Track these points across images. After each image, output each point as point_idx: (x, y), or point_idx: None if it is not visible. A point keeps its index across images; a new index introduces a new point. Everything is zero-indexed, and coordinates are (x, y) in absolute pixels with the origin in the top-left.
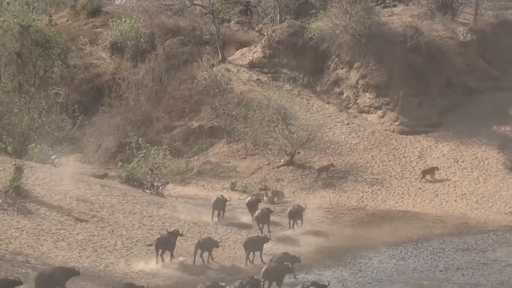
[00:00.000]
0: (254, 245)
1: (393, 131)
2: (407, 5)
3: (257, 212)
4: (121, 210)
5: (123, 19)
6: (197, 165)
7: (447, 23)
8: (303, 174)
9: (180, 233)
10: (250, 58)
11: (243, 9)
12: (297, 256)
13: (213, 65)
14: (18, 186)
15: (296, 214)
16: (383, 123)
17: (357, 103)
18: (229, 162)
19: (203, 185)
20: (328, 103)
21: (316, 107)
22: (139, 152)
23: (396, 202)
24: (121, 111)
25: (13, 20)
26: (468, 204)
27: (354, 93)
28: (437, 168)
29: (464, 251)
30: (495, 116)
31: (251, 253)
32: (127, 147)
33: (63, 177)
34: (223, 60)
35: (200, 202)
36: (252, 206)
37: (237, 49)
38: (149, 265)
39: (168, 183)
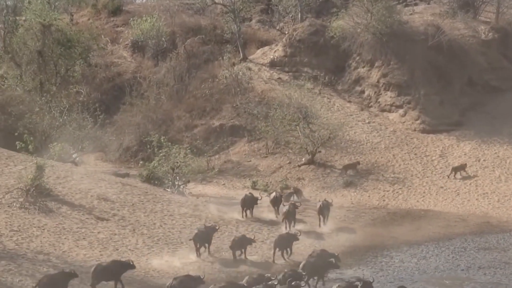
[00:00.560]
0: (284, 242)
1: (415, 130)
2: (428, 4)
3: (285, 208)
4: (142, 209)
5: (144, 18)
6: (218, 164)
7: (468, 22)
8: (324, 173)
9: (217, 228)
10: (271, 57)
11: (264, 8)
12: (336, 254)
13: (234, 64)
14: (40, 185)
15: (325, 210)
16: (404, 122)
17: (379, 102)
18: (250, 161)
19: (224, 184)
20: (349, 101)
21: (337, 106)
22: (160, 151)
23: (418, 201)
24: (142, 110)
25: (34, 19)
26: (490, 203)
27: (375, 92)
28: (465, 165)
29: (486, 250)
30: None
31: (281, 250)
32: (148, 146)
33: (84, 176)
34: (244, 59)
35: (221, 201)
36: (276, 202)
37: (258, 48)
38: (173, 262)
39: (189, 182)
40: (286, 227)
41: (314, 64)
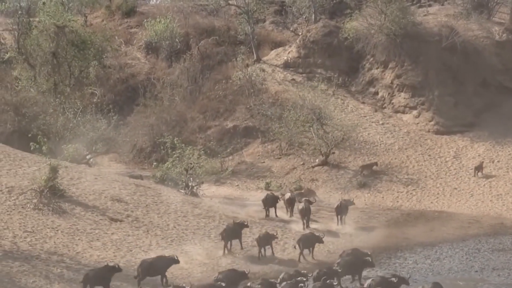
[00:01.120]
0: (307, 242)
1: (428, 131)
2: (442, 5)
3: (301, 205)
4: (156, 210)
5: (158, 19)
6: (232, 165)
7: (482, 23)
8: (338, 174)
9: (246, 224)
10: (285, 58)
11: (278, 9)
12: (369, 252)
13: (247, 65)
14: (53, 186)
15: (344, 209)
16: (418, 123)
17: (392, 103)
18: (264, 162)
19: (237, 185)
20: (363, 103)
21: (351, 107)
22: (174, 152)
23: (431, 202)
24: (155, 111)
25: (48, 21)
26: (504, 204)
27: (389, 93)
28: (482, 163)
29: (500, 251)
30: None
31: (304, 249)
32: (162, 147)
33: (98, 177)
34: (258, 60)
35: (236, 201)
36: (291, 202)
37: (271, 49)
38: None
39: (202, 183)
40: (304, 224)
41: (328, 65)
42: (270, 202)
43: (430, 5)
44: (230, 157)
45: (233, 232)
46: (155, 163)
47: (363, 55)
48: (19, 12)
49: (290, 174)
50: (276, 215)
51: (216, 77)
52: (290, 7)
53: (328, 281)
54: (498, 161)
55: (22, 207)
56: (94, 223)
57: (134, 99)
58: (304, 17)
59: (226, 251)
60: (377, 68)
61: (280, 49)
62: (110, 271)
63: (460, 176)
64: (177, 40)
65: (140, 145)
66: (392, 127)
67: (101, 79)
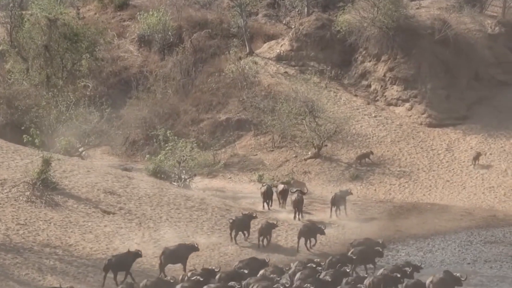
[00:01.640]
0: (309, 233)
1: (421, 124)
2: None
3: (293, 196)
4: (149, 202)
5: (151, 12)
6: (224, 158)
7: (475, 16)
8: (330, 166)
9: (254, 215)
10: (278, 51)
11: (271, 2)
12: (380, 241)
13: (240, 58)
14: (46, 179)
15: (339, 201)
16: (410, 116)
17: (385, 96)
18: (256, 154)
19: (230, 178)
20: (356, 95)
21: (344, 100)
22: (167, 144)
23: (424, 194)
24: (148, 104)
25: (41, 13)
26: (496, 197)
27: (381, 86)
28: (480, 154)
29: (492, 243)
30: None
31: (306, 239)
32: (155, 140)
33: (91, 170)
34: (251, 53)
35: (227, 194)
36: (284, 194)
37: (264, 42)
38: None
39: (195, 175)
40: (296, 215)
41: (321, 58)
42: (270, 194)
43: None
44: (223, 150)
45: (241, 223)
46: (147, 156)
47: (355, 48)
48: (11, 5)
49: (282, 166)
50: (269, 208)
51: (209, 70)
52: (282, 0)
53: (342, 269)
54: (491, 154)
55: (15, 200)
56: (87, 216)
57: (127, 92)
58: (297, 10)
59: (233, 242)
60: (369, 61)
61: (272, 42)
62: (132, 257)
63: (453, 169)
64: (169, 33)
65: (132, 137)
66: (384, 120)
67: (93, 72)
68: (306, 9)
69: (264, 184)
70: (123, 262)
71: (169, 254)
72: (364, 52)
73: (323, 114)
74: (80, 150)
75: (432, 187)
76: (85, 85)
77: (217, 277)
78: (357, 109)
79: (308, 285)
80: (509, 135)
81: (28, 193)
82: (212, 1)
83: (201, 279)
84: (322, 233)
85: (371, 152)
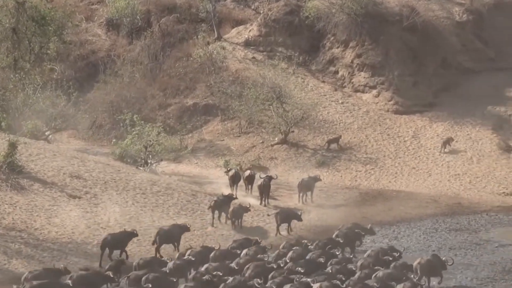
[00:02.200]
0: (285, 217)
1: (388, 111)
2: None
3: (260, 181)
4: (115, 187)
5: None
6: (191, 143)
7: (443, 3)
8: (297, 152)
9: (234, 197)
10: (246, 36)
11: None
12: (368, 227)
13: (208, 43)
14: (12, 162)
15: (306, 186)
16: (377, 103)
17: (352, 82)
18: (223, 140)
19: (197, 163)
20: (323, 82)
21: (311, 86)
22: (133, 129)
23: (390, 181)
24: (115, 88)
25: None
26: (461, 184)
27: (349, 72)
28: (452, 139)
29: (457, 231)
30: (490, 97)
31: (282, 223)
32: (121, 124)
33: (57, 154)
34: (219, 38)
35: (194, 179)
36: (250, 179)
37: (232, 27)
38: None
39: (162, 160)
40: (262, 201)
41: (289, 44)
42: (238, 179)
43: None
44: (190, 135)
45: (222, 204)
46: (114, 140)
47: (324, 34)
48: None
49: (249, 152)
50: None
51: (177, 54)
52: None
53: (331, 251)
54: (457, 141)
55: None
56: (53, 200)
57: (94, 76)
58: None
59: (214, 223)
60: (337, 47)
61: (241, 27)
62: (127, 236)
63: (419, 156)
64: (138, 17)
65: (99, 121)
66: (351, 106)
67: (61, 56)
68: None
69: (229, 169)
70: (118, 241)
71: (164, 235)
72: (332, 38)
73: (291, 100)
74: (46, 133)
75: (398, 174)
76: (52, 69)
77: (211, 255)
78: (325, 95)
79: (299, 268)
80: (476, 123)
81: None
82: None
83: (193, 259)
84: (299, 219)
85: (340, 136)
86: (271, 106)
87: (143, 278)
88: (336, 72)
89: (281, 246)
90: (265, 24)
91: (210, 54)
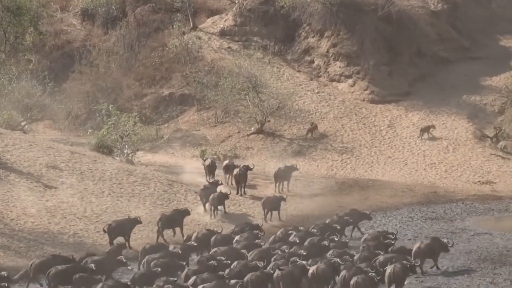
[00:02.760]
0: (272, 204)
1: (364, 100)
2: None
3: (236, 171)
4: (91, 177)
5: None
6: (167, 133)
7: None
8: (273, 142)
9: (220, 183)
10: (221, 26)
11: None
12: (367, 212)
13: (184, 33)
14: None
15: (282, 176)
16: (353, 92)
17: (328, 72)
18: (199, 130)
19: (173, 153)
20: (299, 71)
21: (287, 76)
22: (109, 119)
23: (366, 170)
24: (91, 78)
25: None
26: (437, 173)
27: (324, 62)
28: (433, 126)
29: (433, 220)
30: (465, 86)
31: (269, 211)
32: (97, 114)
33: (33, 144)
34: (194, 28)
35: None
36: (228, 169)
37: (208, 17)
38: None
39: (138, 150)
40: (238, 190)
41: (264, 33)
42: (214, 168)
43: None
44: (166, 125)
45: (210, 191)
46: (90, 130)
47: (299, 23)
48: None
49: (225, 142)
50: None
51: (152, 44)
52: None
53: (331, 237)
54: (432, 130)
55: None
56: (29, 190)
57: (70, 66)
58: None
59: (205, 210)
60: (313, 37)
61: (216, 17)
62: (131, 223)
63: (395, 145)
64: (113, 7)
65: (75, 112)
66: (327, 96)
67: (36, 46)
68: None
69: (205, 158)
70: (123, 227)
71: (165, 220)
72: (307, 28)
73: (266, 90)
74: (22, 124)
75: (374, 163)
76: (28, 59)
77: (212, 239)
78: (300, 85)
79: (302, 251)
80: (451, 112)
81: None
82: None
83: (195, 244)
84: (284, 200)
85: (316, 125)
86: (247, 96)
87: (152, 262)
88: (312, 61)
89: (278, 232)
90: (241, 13)
91: (185, 44)
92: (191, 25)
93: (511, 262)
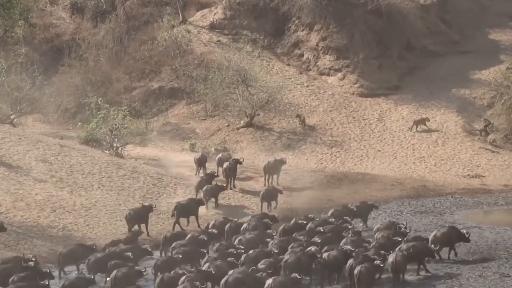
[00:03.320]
0: (270, 196)
1: (353, 94)
2: None
3: (226, 164)
4: (80, 170)
5: None
6: (157, 126)
7: None
8: (262, 136)
9: (216, 175)
10: (211, 19)
11: None
12: (376, 204)
13: (173, 26)
14: None
15: (272, 170)
16: (343, 86)
17: (317, 66)
18: (189, 123)
19: (162, 146)
20: (288, 65)
21: (276, 69)
22: (99, 112)
23: (355, 164)
24: (81, 72)
25: None
26: (426, 167)
27: (314, 55)
28: (427, 119)
29: (422, 213)
30: (454, 80)
31: (267, 202)
32: (87, 108)
33: (22, 137)
34: (184, 21)
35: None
36: (219, 163)
37: (197, 10)
38: None
39: (127, 144)
40: (228, 183)
41: (254, 27)
42: (203, 161)
43: None
44: (155, 118)
45: (206, 182)
46: (79, 124)
47: (288, 17)
48: None
49: (215, 135)
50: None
51: (142, 38)
52: None
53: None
54: (427, 123)
55: None
56: (18, 183)
57: (59, 59)
58: None
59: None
60: (302, 30)
61: (206, 10)
62: (147, 210)
63: (384, 139)
64: (102, 0)
65: (65, 105)
66: (317, 89)
67: (26, 39)
68: None
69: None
70: (140, 215)
71: (181, 208)
72: (297, 21)
73: (256, 83)
74: (11, 117)
75: (363, 157)
76: (18, 53)
77: (226, 227)
78: (290, 78)
79: (317, 239)
80: (440, 105)
81: None
82: None
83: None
84: (280, 193)
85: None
86: (236, 90)
87: (174, 250)
88: (301, 55)
89: (291, 222)
90: (230, 7)
91: (175, 37)
92: (181, 19)
93: (500, 255)
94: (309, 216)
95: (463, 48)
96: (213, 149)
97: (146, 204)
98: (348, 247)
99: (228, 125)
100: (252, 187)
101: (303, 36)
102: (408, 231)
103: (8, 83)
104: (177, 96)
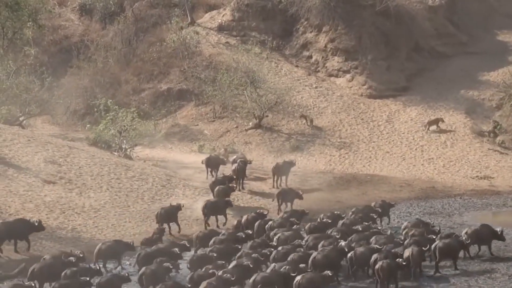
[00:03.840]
0: (287, 196)
1: (362, 95)
2: None
3: (234, 166)
4: (89, 172)
5: None
6: (165, 128)
7: None
8: (271, 137)
9: (235, 177)
10: (219, 21)
11: None
12: (393, 203)
13: (182, 28)
14: None
15: (280, 171)
16: (351, 87)
17: (326, 67)
18: (197, 125)
19: (171, 148)
20: (297, 66)
21: (285, 71)
22: (108, 114)
23: (364, 165)
24: (89, 73)
25: None
26: (435, 168)
27: (322, 57)
28: (442, 120)
29: (431, 215)
30: (462, 81)
31: (284, 203)
32: (95, 109)
33: (31, 139)
34: (192, 23)
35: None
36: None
37: (206, 12)
38: None
39: (136, 145)
40: (237, 184)
41: (262, 28)
42: (212, 163)
43: None
44: (164, 120)
45: (220, 183)
46: (88, 125)
47: (297, 18)
48: None
49: (223, 137)
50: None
51: (150, 39)
52: None
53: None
54: (441, 123)
55: None
56: (27, 185)
57: (68, 61)
58: None
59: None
60: (311, 32)
61: (214, 12)
62: (176, 209)
63: (393, 140)
64: (111, 2)
65: (73, 107)
66: (325, 91)
67: (35, 41)
68: None
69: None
70: (169, 214)
71: (210, 206)
72: (305, 22)
73: (264, 85)
74: (20, 119)
75: (372, 158)
76: (27, 54)
77: (256, 224)
78: (298, 80)
79: (335, 233)
80: (448, 107)
81: None
82: None
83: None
84: (300, 198)
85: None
86: (245, 91)
87: (209, 249)
88: (310, 56)
89: (319, 218)
90: (238, 8)
91: (183, 39)
92: (189, 20)
93: (509, 257)
94: (335, 212)
95: (471, 50)
96: (222, 150)
97: (174, 204)
98: (375, 245)
99: (236, 127)
100: (261, 189)
101: (311, 38)
102: (439, 229)
103: (17, 84)
104: (185, 98)
